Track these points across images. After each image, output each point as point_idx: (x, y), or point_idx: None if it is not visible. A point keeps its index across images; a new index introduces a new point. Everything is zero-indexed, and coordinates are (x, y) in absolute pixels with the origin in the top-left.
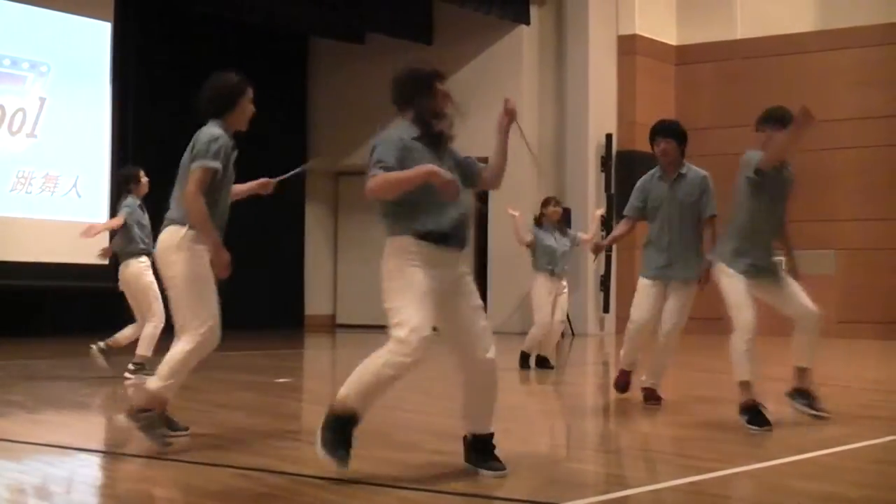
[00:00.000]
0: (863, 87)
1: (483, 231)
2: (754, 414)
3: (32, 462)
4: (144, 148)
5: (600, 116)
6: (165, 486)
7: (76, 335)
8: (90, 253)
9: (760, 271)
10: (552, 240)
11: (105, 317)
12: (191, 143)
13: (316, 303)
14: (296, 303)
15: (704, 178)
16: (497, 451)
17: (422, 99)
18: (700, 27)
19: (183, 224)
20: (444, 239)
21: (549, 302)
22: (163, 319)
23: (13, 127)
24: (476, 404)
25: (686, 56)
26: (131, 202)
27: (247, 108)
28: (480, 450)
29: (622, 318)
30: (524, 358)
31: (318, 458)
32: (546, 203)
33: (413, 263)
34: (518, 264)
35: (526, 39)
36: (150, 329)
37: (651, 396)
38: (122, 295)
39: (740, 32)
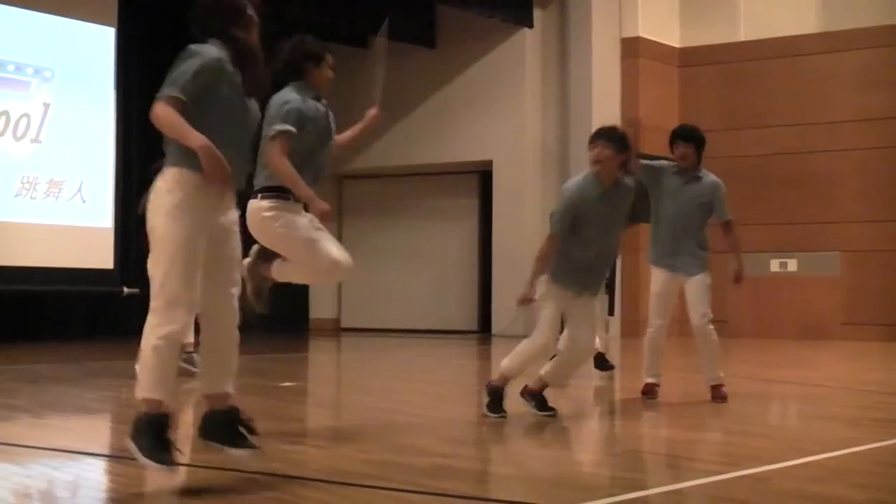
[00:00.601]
0: (866, 89)
1: (487, 233)
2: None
3: (37, 466)
4: (148, 153)
5: (604, 119)
6: (170, 490)
7: (80, 340)
8: (95, 257)
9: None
10: None
11: (109, 321)
12: (266, 111)
13: (320, 306)
14: (300, 306)
15: (718, 184)
16: (243, 427)
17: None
18: (703, 29)
19: (258, 193)
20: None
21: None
22: None
23: (17, 132)
24: (214, 362)
25: (689, 58)
26: None
27: (325, 73)
28: (223, 424)
29: (627, 322)
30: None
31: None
32: None
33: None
34: (522, 267)
35: (529, 43)
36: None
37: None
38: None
39: (743, 34)
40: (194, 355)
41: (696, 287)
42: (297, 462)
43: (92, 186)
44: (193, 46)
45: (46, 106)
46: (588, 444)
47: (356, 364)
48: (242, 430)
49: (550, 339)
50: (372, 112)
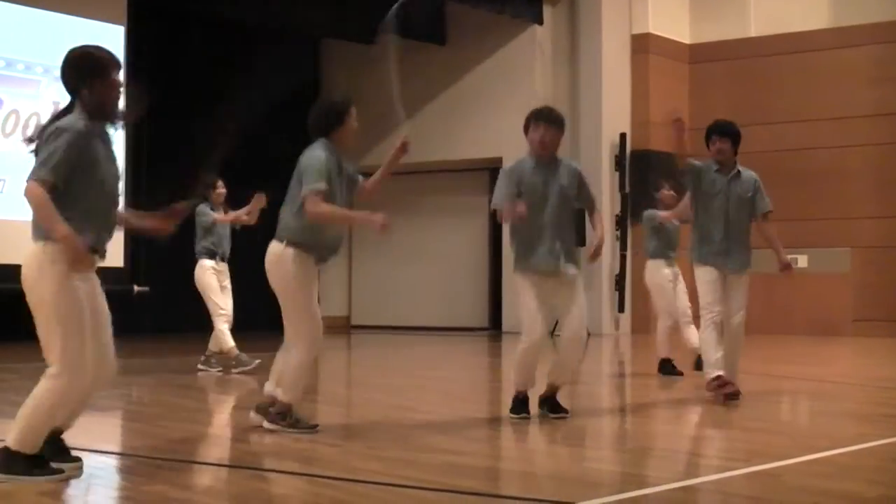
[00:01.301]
0: (877, 84)
1: (497, 230)
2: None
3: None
4: (158, 151)
5: (614, 116)
6: (182, 488)
7: None
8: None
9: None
10: (671, 224)
11: (119, 319)
12: (299, 164)
13: (331, 304)
14: None
15: (757, 179)
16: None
17: None
18: (713, 25)
19: (284, 240)
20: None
21: (671, 290)
22: (217, 316)
23: (28, 131)
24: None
25: (699, 54)
26: (203, 208)
27: (351, 126)
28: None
29: (638, 318)
30: (667, 364)
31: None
32: (660, 186)
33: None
34: None
35: (539, 39)
36: (217, 326)
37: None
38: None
39: (754, 30)
40: (241, 356)
41: (742, 286)
42: (310, 459)
43: None
44: (59, 124)
45: (56, 105)
46: (599, 441)
47: (367, 361)
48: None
49: (539, 334)
50: (399, 144)
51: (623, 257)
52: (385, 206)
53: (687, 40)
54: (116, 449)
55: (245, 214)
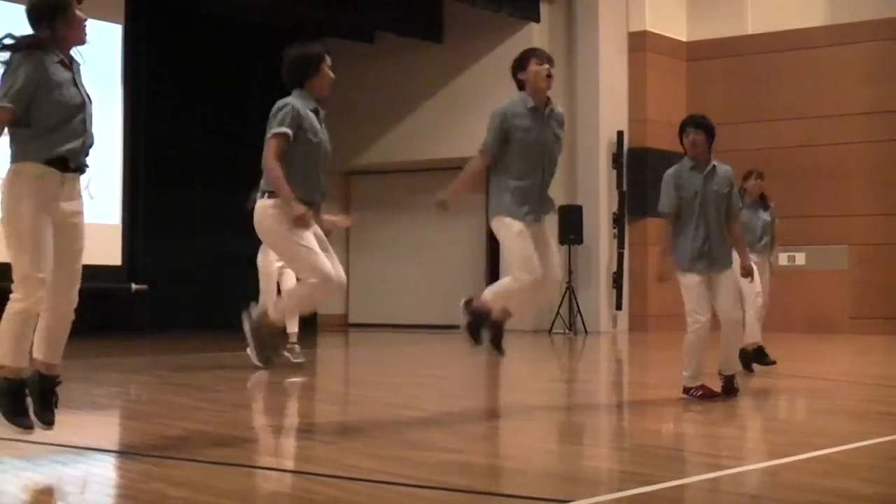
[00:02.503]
0: (874, 82)
1: None
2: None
3: (46, 462)
4: (156, 148)
5: (611, 114)
6: (179, 486)
7: (88, 336)
8: (103, 254)
9: None
10: (755, 216)
11: (117, 317)
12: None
13: (328, 302)
14: None
15: (731, 173)
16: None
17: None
18: (710, 23)
19: (264, 194)
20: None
21: (757, 284)
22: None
23: None
24: (50, 338)
25: (697, 52)
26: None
27: (325, 74)
28: (41, 390)
29: (635, 316)
30: (747, 357)
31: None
32: (747, 176)
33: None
34: None
35: (536, 37)
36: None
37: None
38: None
39: (751, 28)
40: (296, 346)
41: (728, 281)
42: (306, 458)
43: (100, 183)
44: (16, 55)
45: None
46: (597, 439)
47: (364, 360)
48: (51, 402)
49: (534, 275)
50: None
51: (620, 255)
52: (382, 204)
53: (684, 38)
54: (114, 447)
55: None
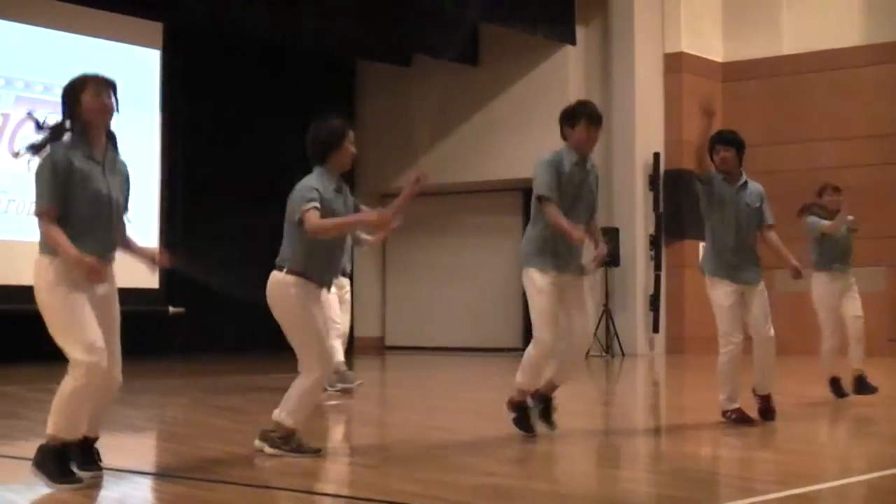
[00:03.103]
0: None
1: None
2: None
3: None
4: (193, 172)
5: (647, 135)
6: None
7: (126, 358)
8: (141, 277)
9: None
10: (836, 234)
11: (154, 340)
12: (291, 194)
13: (365, 325)
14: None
15: (762, 190)
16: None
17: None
18: (746, 43)
19: (283, 269)
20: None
21: (833, 306)
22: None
23: None
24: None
25: (732, 73)
26: None
27: (348, 150)
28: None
29: (672, 338)
30: (835, 383)
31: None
32: (821, 192)
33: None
34: None
35: (572, 59)
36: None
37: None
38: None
39: (786, 48)
40: (349, 373)
41: (760, 297)
42: (345, 481)
43: (137, 207)
44: (45, 152)
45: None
46: (634, 462)
47: (401, 382)
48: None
49: (552, 336)
50: (413, 178)
51: (657, 277)
52: (419, 226)
53: (720, 59)
54: (151, 469)
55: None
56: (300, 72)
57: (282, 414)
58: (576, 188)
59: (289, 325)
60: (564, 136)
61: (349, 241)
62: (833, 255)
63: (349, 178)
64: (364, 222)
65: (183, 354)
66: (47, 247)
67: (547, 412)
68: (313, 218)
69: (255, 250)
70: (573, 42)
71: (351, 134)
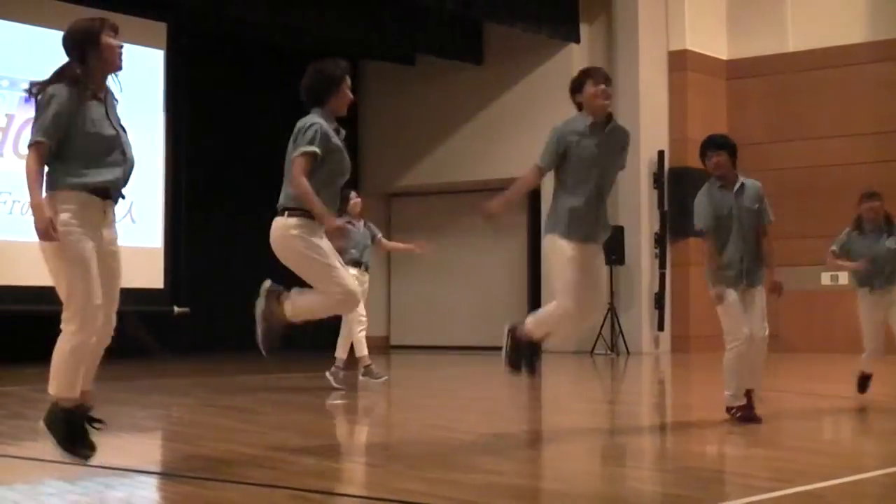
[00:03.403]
0: None
1: (536, 249)
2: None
3: (90, 484)
4: (198, 172)
5: (652, 133)
6: None
7: (131, 358)
8: (145, 277)
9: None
10: (877, 244)
11: (160, 340)
12: (293, 134)
13: (370, 324)
14: None
15: (760, 187)
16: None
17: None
18: (751, 41)
19: (285, 211)
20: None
21: (875, 321)
22: (355, 324)
23: None
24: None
25: (737, 70)
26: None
27: (345, 94)
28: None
29: (677, 336)
30: (864, 380)
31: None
32: (861, 201)
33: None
34: None
35: (576, 58)
36: (354, 333)
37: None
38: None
39: (791, 45)
40: (372, 367)
41: (758, 298)
42: (351, 480)
43: (142, 206)
44: (49, 89)
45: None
46: (639, 461)
47: (406, 381)
48: (88, 428)
49: (575, 302)
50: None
51: (662, 275)
52: (423, 226)
53: (724, 56)
54: (157, 469)
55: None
56: (304, 71)
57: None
58: (589, 152)
59: (298, 264)
60: (580, 110)
61: (368, 237)
62: (873, 272)
63: (355, 177)
64: (326, 221)
65: (189, 354)
66: (56, 180)
67: (533, 359)
68: (304, 165)
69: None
70: (577, 40)
71: (348, 79)
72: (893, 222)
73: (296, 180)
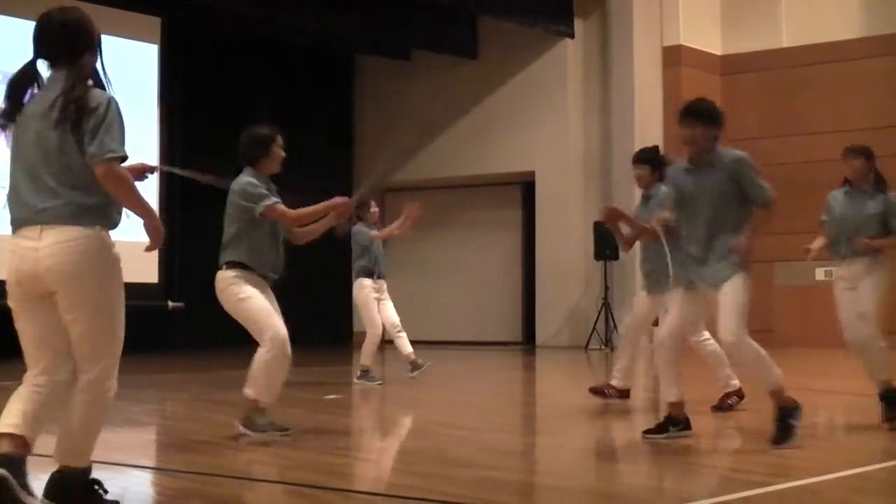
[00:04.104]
0: None
1: (531, 244)
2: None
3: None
4: (192, 166)
5: (646, 128)
6: (217, 503)
7: (125, 353)
8: (140, 272)
9: None
10: (853, 207)
11: (154, 335)
12: (232, 193)
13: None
14: (343, 319)
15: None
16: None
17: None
18: (745, 36)
19: (221, 267)
20: None
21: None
22: (374, 329)
23: None
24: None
25: (731, 66)
26: (360, 228)
27: (277, 154)
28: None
29: None
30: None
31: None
32: (843, 156)
33: None
34: (566, 277)
35: (571, 52)
36: (368, 339)
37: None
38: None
39: (786, 41)
40: (371, 374)
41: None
42: (345, 475)
43: None
44: (100, 95)
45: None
46: (634, 456)
47: (401, 376)
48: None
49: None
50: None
51: None
52: (419, 220)
53: (719, 52)
54: (152, 464)
55: (396, 229)
56: (299, 66)
57: (248, 390)
58: (691, 195)
59: (239, 314)
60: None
61: (381, 245)
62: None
63: (350, 172)
64: (332, 205)
65: (183, 349)
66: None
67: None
68: (284, 210)
69: None
70: (572, 35)
71: (279, 139)
72: (884, 184)
73: (297, 218)
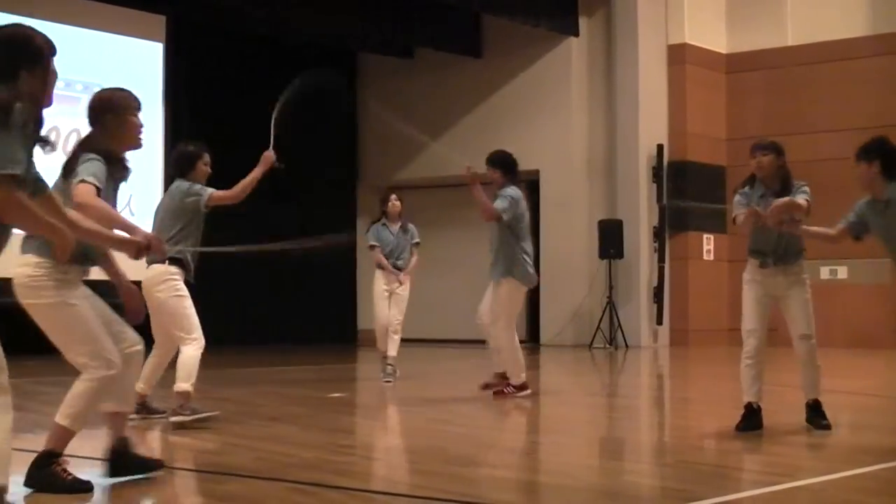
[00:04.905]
0: None
1: (534, 243)
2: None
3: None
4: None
5: (651, 127)
6: (220, 500)
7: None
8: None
9: None
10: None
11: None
12: (172, 196)
13: (367, 318)
14: (348, 317)
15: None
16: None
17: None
18: (750, 34)
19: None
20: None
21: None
22: (375, 323)
23: (67, 147)
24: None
25: (736, 64)
26: (374, 228)
27: (201, 170)
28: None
29: (675, 330)
30: None
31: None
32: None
33: None
34: (570, 276)
35: (575, 51)
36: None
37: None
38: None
39: (791, 39)
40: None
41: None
42: (349, 473)
43: (141, 200)
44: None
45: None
46: (638, 455)
47: (404, 374)
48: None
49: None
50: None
51: (661, 269)
52: (421, 219)
53: (724, 50)
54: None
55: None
56: (303, 65)
57: (140, 385)
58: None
59: (173, 305)
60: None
61: (406, 241)
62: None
63: (352, 171)
64: (263, 166)
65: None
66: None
67: None
68: (222, 194)
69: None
70: (576, 34)
71: (206, 157)
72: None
73: (236, 192)
